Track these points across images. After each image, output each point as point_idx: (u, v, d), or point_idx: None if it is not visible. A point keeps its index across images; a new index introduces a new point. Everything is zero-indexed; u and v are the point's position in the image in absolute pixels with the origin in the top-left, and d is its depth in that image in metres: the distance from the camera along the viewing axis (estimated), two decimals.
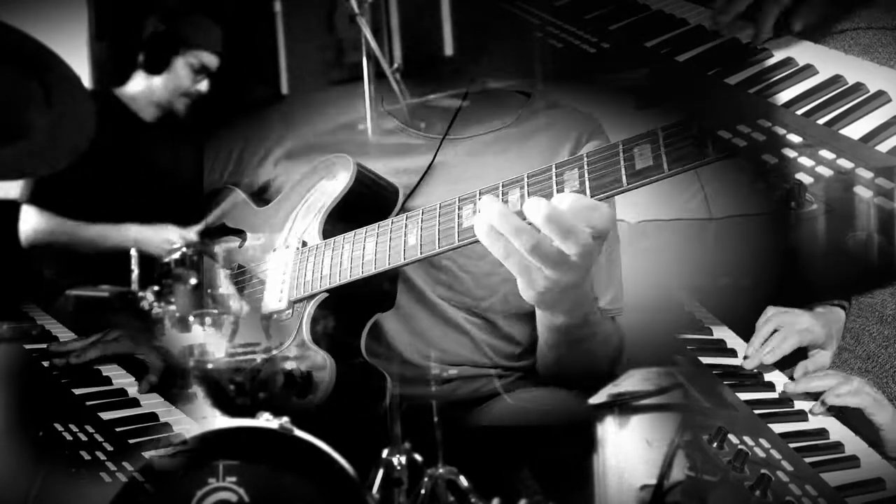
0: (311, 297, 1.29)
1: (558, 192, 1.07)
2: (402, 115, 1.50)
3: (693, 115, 1.02)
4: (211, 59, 2.06)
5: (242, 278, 1.42)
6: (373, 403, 1.16)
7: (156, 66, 2.03)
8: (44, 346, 1.55)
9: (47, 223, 1.91)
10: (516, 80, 1.57)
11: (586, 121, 1.53)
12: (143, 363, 1.47)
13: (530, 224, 1.03)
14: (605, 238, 1.06)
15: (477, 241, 1.10)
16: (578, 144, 1.48)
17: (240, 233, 1.49)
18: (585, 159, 1.06)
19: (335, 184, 1.36)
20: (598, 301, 1.39)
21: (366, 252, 1.24)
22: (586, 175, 1.05)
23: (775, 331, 1.43)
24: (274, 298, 1.33)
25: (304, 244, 1.34)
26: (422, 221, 1.19)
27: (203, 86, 2.07)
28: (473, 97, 1.49)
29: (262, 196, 1.55)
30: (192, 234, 1.80)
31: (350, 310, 1.30)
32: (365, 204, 1.37)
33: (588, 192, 1.04)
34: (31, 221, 1.92)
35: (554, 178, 1.08)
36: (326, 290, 1.28)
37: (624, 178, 1.03)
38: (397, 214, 1.36)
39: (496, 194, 1.11)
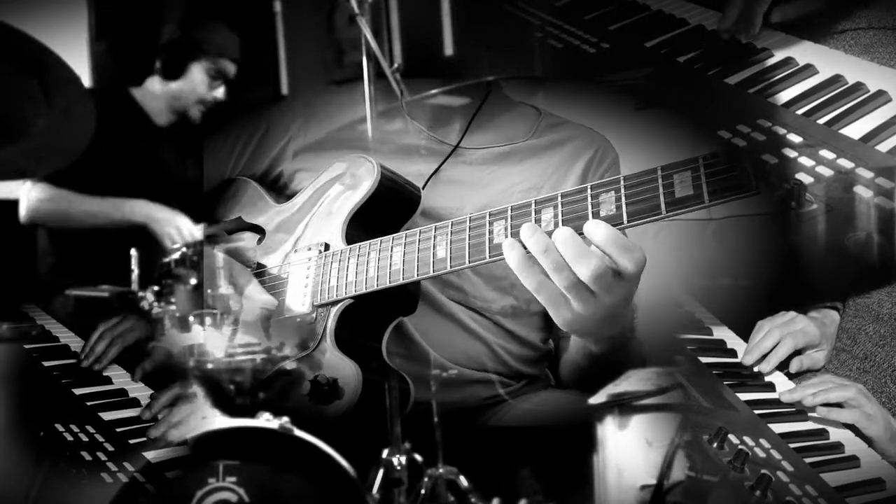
0: (335, 302, 1.27)
1: (593, 214, 1.03)
2: (422, 118, 1.49)
3: (739, 149, 1.00)
4: (228, 66, 2.05)
5: (261, 279, 1.40)
6: (397, 407, 1.14)
7: (172, 72, 2.02)
8: (43, 345, 1.55)
9: (49, 193, 1.87)
10: (516, 78, 1.57)
11: (598, 138, 1.53)
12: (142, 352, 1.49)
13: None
14: (634, 282, 1.03)
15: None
16: (592, 161, 1.48)
17: (257, 228, 1.46)
18: (623, 182, 1.02)
19: (358, 187, 1.34)
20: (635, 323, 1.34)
21: (392, 261, 1.22)
22: (623, 199, 1.01)
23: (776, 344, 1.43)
24: (297, 302, 1.31)
25: (327, 247, 1.32)
26: (451, 234, 1.16)
27: (219, 93, 2.06)
28: (489, 107, 1.48)
29: (275, 186, 1.53)
30: (199, 232, 1.79)
31: (373, 314, 1.29)
32: (389, 205, 1.35)
33: (625, 217, 1.01)
34: (33, 194, 1.88)
35: (589, 199, 1.04)
36: (352, 297, 1.26)
37: (663, 205, 0.99)
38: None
39: (528, 212, 1.08)
